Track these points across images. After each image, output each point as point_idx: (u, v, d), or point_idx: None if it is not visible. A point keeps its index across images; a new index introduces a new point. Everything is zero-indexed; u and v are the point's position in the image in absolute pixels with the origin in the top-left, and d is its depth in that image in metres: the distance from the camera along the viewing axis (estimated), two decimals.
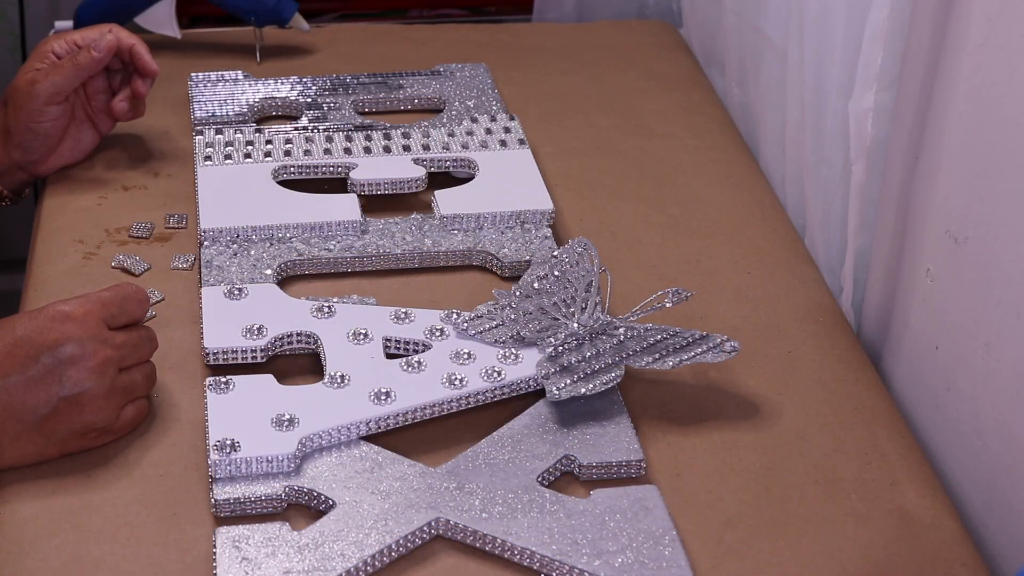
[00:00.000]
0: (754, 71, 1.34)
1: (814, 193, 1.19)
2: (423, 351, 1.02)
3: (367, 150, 1.25)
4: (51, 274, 1.13)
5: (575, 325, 1.01)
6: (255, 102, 1.34)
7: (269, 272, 1.10)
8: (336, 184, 1.22)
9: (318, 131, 1.28)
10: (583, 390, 0.97)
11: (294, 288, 1.12)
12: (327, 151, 1.24)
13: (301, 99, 1.35)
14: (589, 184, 1.28)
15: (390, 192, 1.21)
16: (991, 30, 0.90)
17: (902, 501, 0.94)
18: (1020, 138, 0.87)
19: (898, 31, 1.01)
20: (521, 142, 1.27)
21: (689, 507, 0.93)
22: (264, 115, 1.35)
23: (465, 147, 1.26)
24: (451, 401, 0.97)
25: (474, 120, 1.30)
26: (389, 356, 1.02)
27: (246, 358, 1.02)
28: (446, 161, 1.25)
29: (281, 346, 1.03)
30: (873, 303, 1.10)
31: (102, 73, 1.24)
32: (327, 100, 1.35)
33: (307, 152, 1.24)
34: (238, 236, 1.14)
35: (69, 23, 1.47)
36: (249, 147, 1.25)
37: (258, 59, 1.46)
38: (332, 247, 1.14)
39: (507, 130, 1.29)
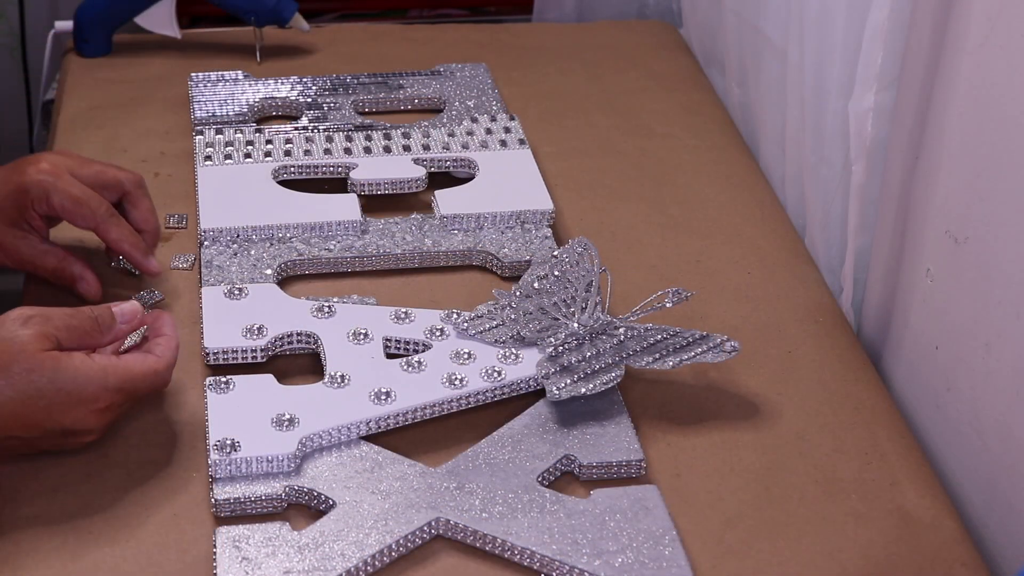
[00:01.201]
0: (754, 71, 1.34)
1: (814, 193, 1.19)
2: (423, 351, 1.02)
3: (367, 150, 1.25)
4: None
5: (575, 325, 1.01)
6: (255, 102, 1.34)
7: (269, 272, 1.10)
8: (336, 184, 1.22)
9: (318, 131, 1.28)
10: (583, 390, 0.97)
11: (294, 288, 1.12)
12: (327, 151, 1.24)
13: (301, 99, 1.35)
14: (589, 184, 1.28)
15: (390, 192, 1.21)
16: (991, 30, 0.90)
17: (902, 501, 0.94)
18: (1020, 138, 0.87)
19: (898, 31, 1.01)
20: (521, 142, 1.27)
21: (689, 507, 0.93)
22: (264, 115, 1.35)
23: (465, 147, 1.26)
24: (451, 401, 0.97)
25: (474, 120, 1.30)
26: (389, 356, 1.02)
27: (246, 358, 1.02)
28: (446, 161, 1.25)
29: (281, 346, 1.03)
30: (873, 303, 1.10)
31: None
32: (327, 100, 1.35)
33: (307, 152, 1.24)
34: (238, 236, 1.14)
35: (69, 23, 1.47)
36: (249, 147, 1.25)
37: (258, 59, 1.46)
38: (332, 247, 1.14)
39: (507, 130, 1.29)
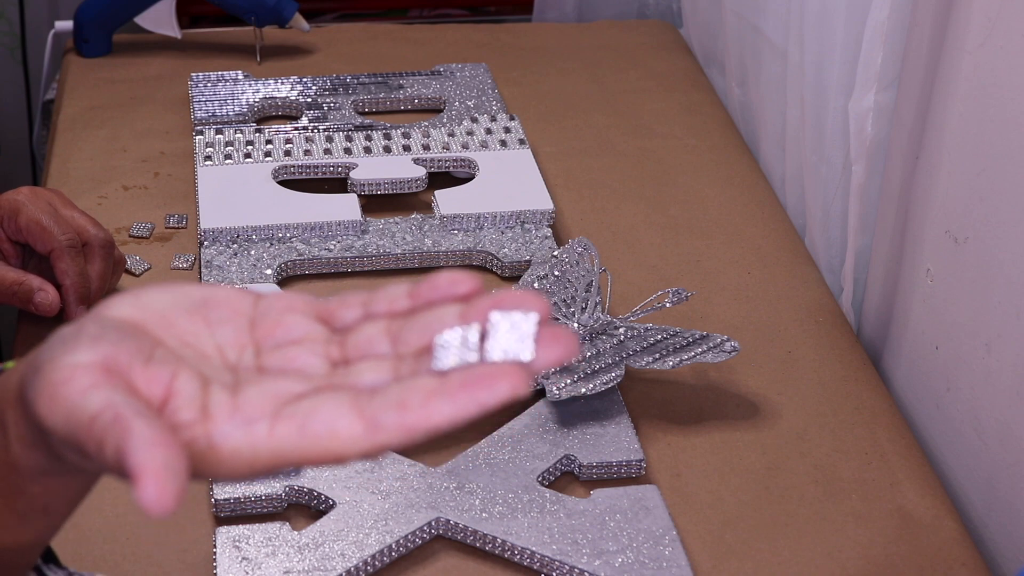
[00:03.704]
0: (754, 71, 1.34)
1: (814, 193, 1.19)
2: None
3: (367, 150, 1.25)
4: None
5: (575, 325, 1.01)
6: (255, 102, 1.34)
7: (269, 272, 1.10)
8: (336, 184, 1.22)
9: (318, 131, 1.27)
10: (583, 390, 0.97)
11: (294, 288, 1.11)
12: (327, 151, 1.24)
13: (301, 99, 1.35)
14: (589, 184, 1.28)
15: (390, 192, 1.21)
16: (991, 30, 0.90)
17: (902, 501, 0.94)
18: (1020, 138, 0.87)
19: (898, 31, 1.01)
20: (521, 142, 1.27)
21: (689, 507, 0.93)
22: (264, 115, 1.35)
23: (465, 147, 1.26)
24: None
25: (474, 120, 1.30)
26: None
27: None
28: (446, 161, 1.25)
29: None
30: (873, 303, 1.10)
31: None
32: (327, 100, 1.35)
33: (307, 152, 1.24)
34: (238, 236, 1.14)
35: (69, 23, 1.47)
36: (249, 147, 1.24)
37: (258, 59, 1.46)
38: (332, 247, 1.14)
39: (507, 130, 1.29)
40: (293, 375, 0.49)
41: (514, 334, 0.47)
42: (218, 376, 0.49)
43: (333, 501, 0.90)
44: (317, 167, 1.23)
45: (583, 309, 1.02)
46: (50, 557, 0.61)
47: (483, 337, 0.47)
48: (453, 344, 0.47)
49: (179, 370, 0.48)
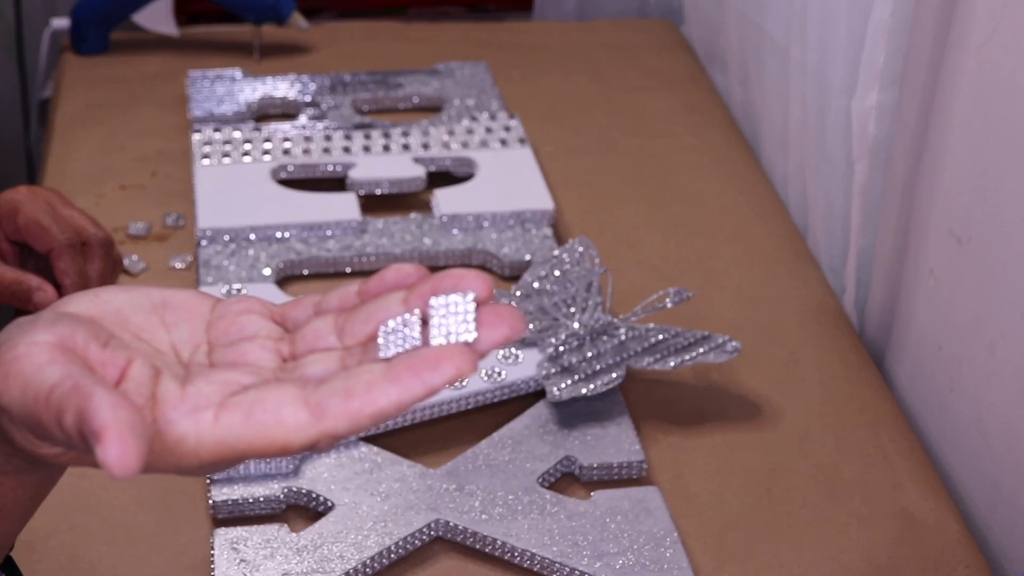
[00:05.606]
0: (756, 69, 1.33)
1: (816, 192, 1.18)
2: None
3: (366, 149, 1.24)
4: None
5: (576, 325, 1.01)
6: (253, 100, 1.34)
7: (267, 272, 1.10)
8: (335, 183, 1.22)
9: (317, 130, 1.27)
10: (584, 391, 0.96)
11: (293, 288, 1.11)
12: (326, 150, 1.24)
13: (300, 98, 1.34)
14: (590, 183, 1.27)
15: (389, 191, 1.20)
16: (995, 28, 0.89)
17: (905, 503, 0.94)
18: None
19: (901, 29, 1.01)
20: (521, 141, 1.27)
21: (690, 508, 0.92)
22: (263, 113, 1.35)
23: (465, 146, 1.25)
24: (451, 401, 0.97)
25: (474, 119, 1.30)
26: None
27: None
28: (446, 160, 1.24)
29: None
30: (876, 303, 1.10)
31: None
32: (326, 99, 1.34)
33: (306, 151, 1.23)
34: (236, 235, 1.13)
35: (66, 21, 1.47)
36: (247, 146, 1.24)
37: (257, 57, 1.46)
38: (331, 247, 1.13)
39: (507, 129, 1.28)
40: (242, 367, 0.50)
41: (455, 316, 0.47)
42: (170, 369, 0.50)
43: (332, 503, 0.89)
44: (316, 166, 1.22)
45: (583, 309, 1.02)
46: (13, 571, 0.61)
47: (425, 322, 0.48)
48: (396, 331, 0.48)
49: (134, 357, 0.49)
